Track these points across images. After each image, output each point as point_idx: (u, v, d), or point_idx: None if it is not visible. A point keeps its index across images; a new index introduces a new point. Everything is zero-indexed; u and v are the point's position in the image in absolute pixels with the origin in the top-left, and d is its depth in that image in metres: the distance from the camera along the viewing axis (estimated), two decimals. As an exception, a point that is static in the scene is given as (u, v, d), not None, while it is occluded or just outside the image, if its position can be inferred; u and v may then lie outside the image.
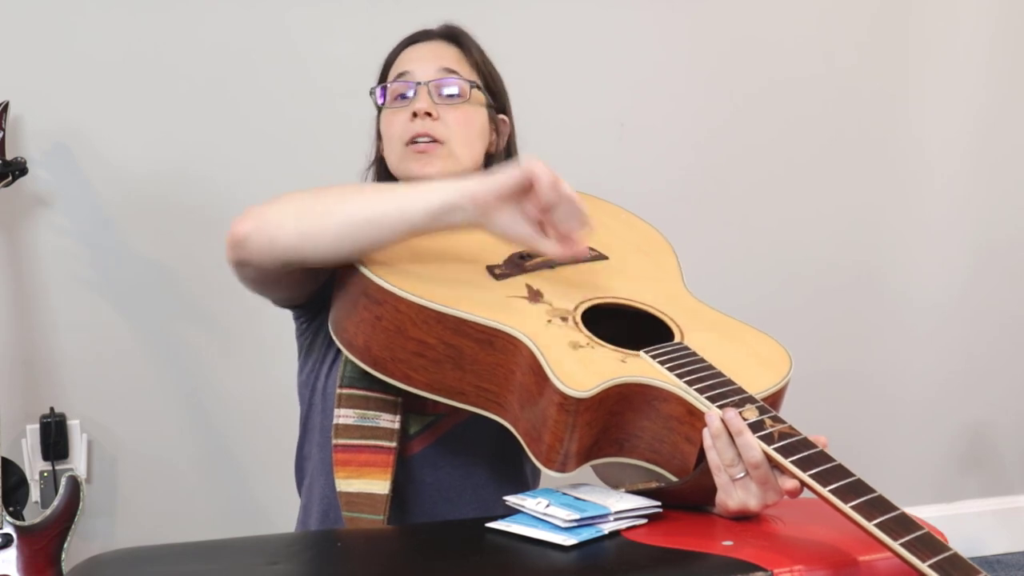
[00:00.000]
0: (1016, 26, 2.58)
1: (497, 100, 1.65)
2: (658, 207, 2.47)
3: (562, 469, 1.23)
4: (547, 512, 1.21)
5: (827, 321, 2.57)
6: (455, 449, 1.49)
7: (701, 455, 1.21)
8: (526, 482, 1.55)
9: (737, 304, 2.50)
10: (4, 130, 1.98)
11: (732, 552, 1.16)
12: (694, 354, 1.29)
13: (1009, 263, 2.66)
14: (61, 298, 2.11)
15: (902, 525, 1.07)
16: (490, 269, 1.37)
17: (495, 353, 1.24)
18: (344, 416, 1.42)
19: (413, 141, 1.53)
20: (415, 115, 1.52)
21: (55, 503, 1.98)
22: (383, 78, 1.62)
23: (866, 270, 2.59)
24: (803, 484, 1.17)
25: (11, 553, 1.93)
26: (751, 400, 1.23)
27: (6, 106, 1.98)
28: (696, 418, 1.21)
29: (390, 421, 1.43)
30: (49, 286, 2.10)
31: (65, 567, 1.96)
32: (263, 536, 1.47)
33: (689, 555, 1.17)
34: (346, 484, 1.42)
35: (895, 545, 1.04)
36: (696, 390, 1.22)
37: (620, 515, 1.21)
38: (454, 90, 1.56)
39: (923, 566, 0.99)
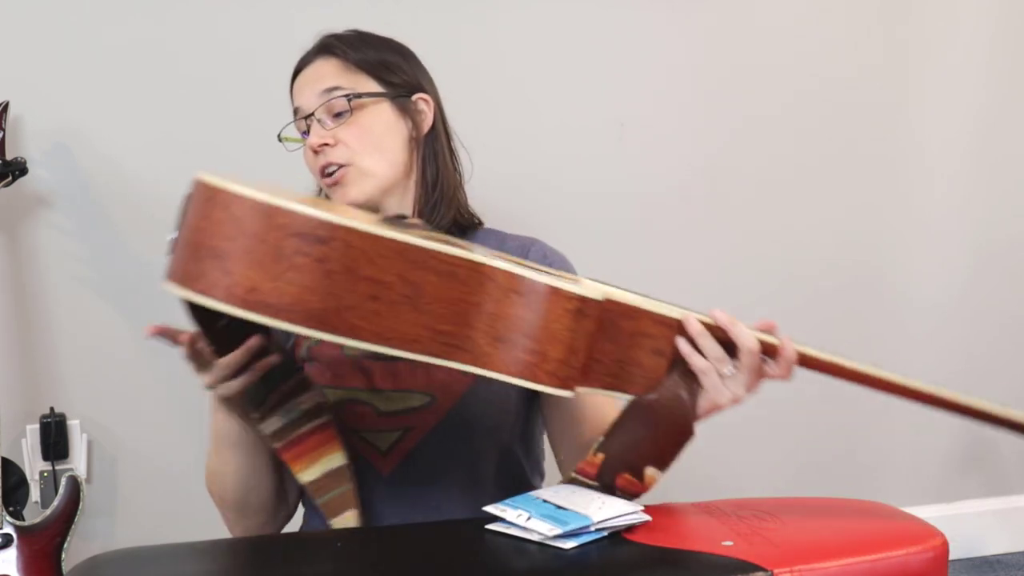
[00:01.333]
0: (1016, 27, 2.58)
1: (400, 84, 1.57)
2: (657, 207, 2.47)
3: (570, 385, 1.20)
4: (528, 525, 1.20)
5: (828, 321, 2.57)
6: (429, 460, 1.48)
7: (670, 366, 1.25)
8: (512, 474, 1.54)
9: (737, 305, 2.51)
10: (4, 130, 1.98)
11: (732, 552, 1.16)
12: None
13: (1009, 264, 2.66)
14: (61, 298, 2.11)
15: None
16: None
17: (459, 286, 1.16)
18: (270, 423, 1.41)
19: (323, 174, 1.52)
20: (313, 151, 1.52)
21: (55, 503, 1.98)
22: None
23: (867, 271, 2.58)
24: (803, 356, 1.37)
25: (11, 553, 1.93)
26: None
27: (6, 106, 1.98)
28: (665, 327, 1.25)
29: (310, 399, 1.42)
30: (49, 286, 2.10)
31: (65, 567, 1.96)
32: (263, 536, 1.48)
33: (689, 555, 1.17)
34: (307, 475, 1.41)
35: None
36: (656, 301, 1.25)
37: (602, 524, 1.21)
38: (338, 108, 1.52)
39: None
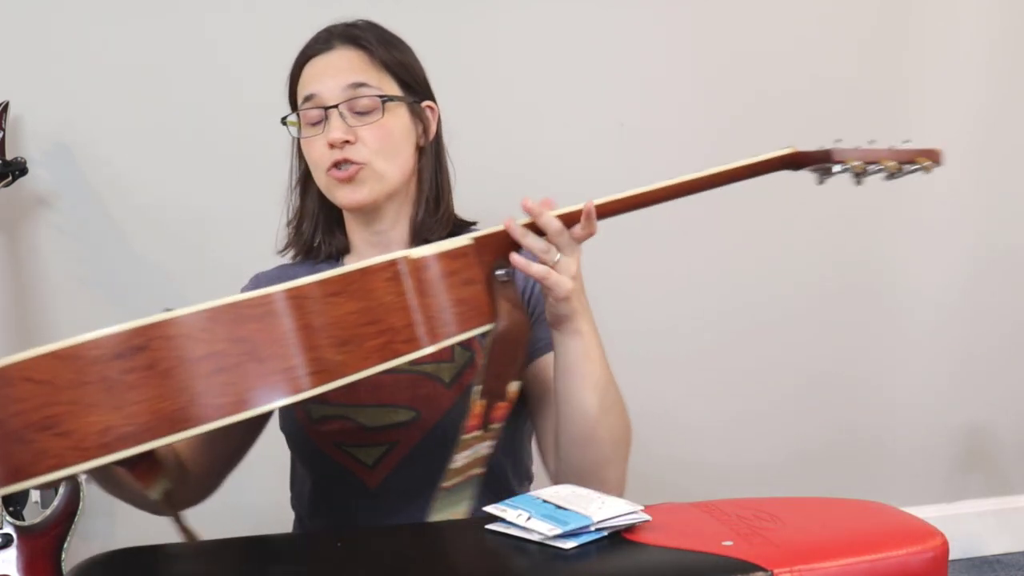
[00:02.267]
0: (1017, 28, 2.58)
1: (416, 91, 1.57)
2: (656, 208, 2.47)
3: (432, 339, 1.22)
4: (528, 525, 1.20)
5: (829, 323, 2.57)
6: (416, 473, 1.47)
7: (487, 287, 1.28)
8: (499, 483, 1.53)
9: (737, 306, 2.52)
10: (4, 130, 1.98)
11: (732, 552, 1.16)
12: None
13: (1009, 265, 2.66)
14: (61, 298, 2.11)
15: None
16: None
17: (281, 320, 1.12)
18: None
19: (335, 167, 1.49)
20: (331, 145, 1.48)
21: (55, 503, 1.98)
22: (292, 98, 1.56)
23: (867, 272, 2.59)
24: (599, 207, 1.43)
25: (11, 553, 1.93)
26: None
27: (6, 106, 1.98)
28: (462, 257, 1.27)
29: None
30: (49, 286, 2.10)
31: (65, 567, 1.96)
32: (263, 536, 1.47)
33: (689, 555, 1.17)
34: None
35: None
36: (445, 243, 1.27)
37: (602, 524, 1.21)
38: (367, 107, 1.50)
39: None
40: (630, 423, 1.49)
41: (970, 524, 2.68)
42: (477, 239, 1.30)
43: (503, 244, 1.32)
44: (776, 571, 1.11)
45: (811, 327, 2.56)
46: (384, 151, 1.50)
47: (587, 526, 1.20)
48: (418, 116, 1.55)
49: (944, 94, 2.55)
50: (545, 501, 1.26)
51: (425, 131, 1.56)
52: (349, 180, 1.49)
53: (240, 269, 2.14)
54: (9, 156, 1.99)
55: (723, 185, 1.51)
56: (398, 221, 1.56)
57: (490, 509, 1.26)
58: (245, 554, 1.27)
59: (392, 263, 1.20)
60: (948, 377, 2.67)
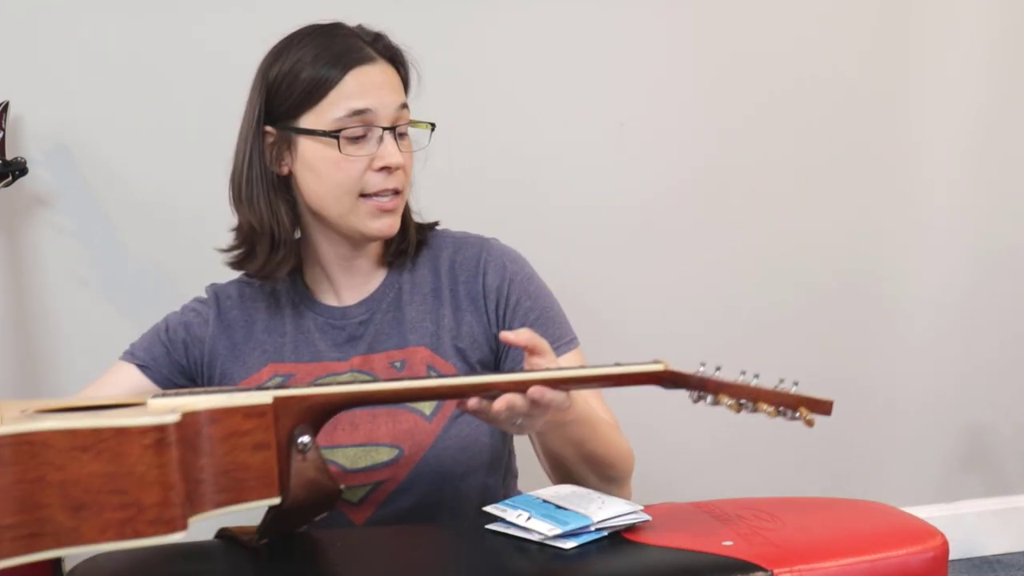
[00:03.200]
0: (1016, 29, 2.58)
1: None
2: (657, 208, 2.47)
3: (180, 525, 1.06)
4: (528, 525, 1.20)
5: (829, 324, 2.57)
6: (404, 509, 1.44)
7: (280, 455, 1.13)
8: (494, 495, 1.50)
9: (738, 309, 2.52)
10: (4, 130, 1.98)
11: (732, 552, 1.16)
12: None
13: (1009, 265, 2.66)
14: (61, 298, 2.11)
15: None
16: None
17: (9, 469, 1.01)
18: None
19: (375, 195, 1.41)
20: (387, 168, 1.40)
21: (55, 503, 1.98)
22: (305, 99, 1.43)
23: (867, 273, 2.58)
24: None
25: (11, 553, 1.92)
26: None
27: (6, 106, 1.98)
28: (258, 418, 1.12)
29: None
30: (49, 286, 2.10)
31: (65, 567, 1.95)
32: (263, 536, 1.47)
33: (689, 555, 1.17)
34: None
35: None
36: (239, 393, 1.13)
37: (602, 524, 1.21)
38: (403, 131, 1.44)
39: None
40: (623, 448, 1.47)
41: (970, 524, 2.68)
42: (278, 398, 1.14)
43: (308, 408, 1.16)
44: (776, 571, 1.11)
45: (812, 328, 2.56)
46: (409, 179, 1.47)
47: (587, 526, 1.20)
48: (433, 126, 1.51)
49: (944, 94, 2.55)
50: (545, 501, 1.26)
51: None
52: (392, 212, 1.43)
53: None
54: (9, 156, 1.99)
55: (590, 387, 1.36)
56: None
57: (490, 509, 1.26)
58: (244, 554, 1.27)
59: (159, 429, 1.04)
60: (948, 377, 2.67)
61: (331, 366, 1.49)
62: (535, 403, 1.20)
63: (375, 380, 1.20)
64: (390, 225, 1.44)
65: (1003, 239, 2.65)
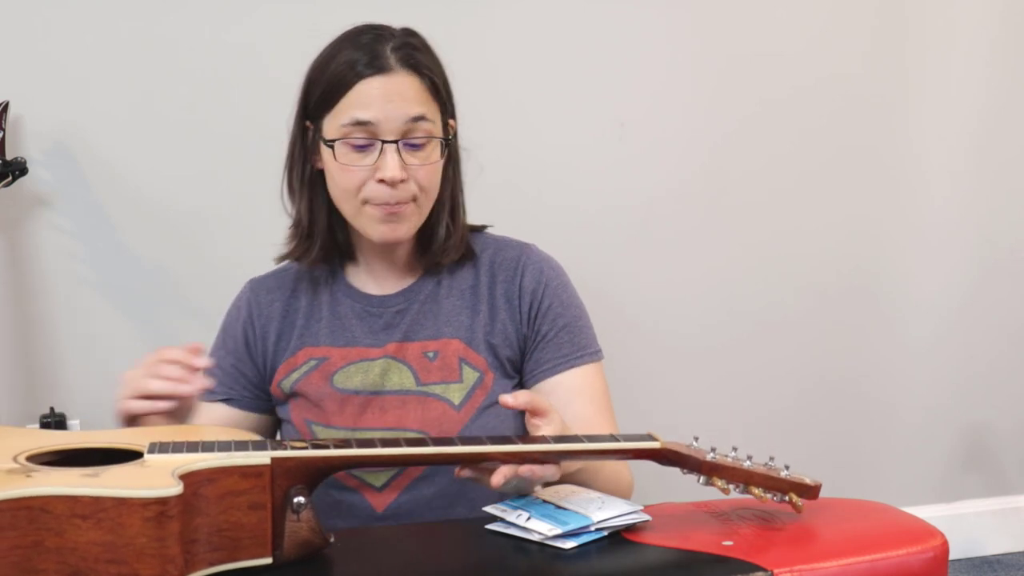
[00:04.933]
0: (1016, 29, 2.58)
1: (448, 110, 1.51)
2: (657, 208, 2.47)
3: None
4: (528, 525, 1.20)
5: (830, 324, 2.57)
6: (426, 496, 1.46)
7: (275, 516, 1.12)
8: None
9: (739, 309, 2.52)
10: (4, 130, 1.98)
11: (732, 552, 1.16)
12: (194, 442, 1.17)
13: (1010, 265, 2.66)
14: (61, 298, 2.11)
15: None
16: None
17: (7, 533, 1.01)
18: None
19: (377, 203, 1.42)
20: (382, 180, 1.41)
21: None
22: (326, 99, 1.44)
23: (868, 274, 2.58)
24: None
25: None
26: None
27: (6, 106, 1.98)
28: (255, 478, 1.11)
29: None
30: (49, 286, 2.10)
31: None
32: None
33: (689, 555, 1.17)
34: None
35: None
36: (238, 453, 1.12)
37: (602, 524, 1.21)
38: (421, 141, 1.43)
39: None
40: (626, 485, 1.49)
41: (970, 524, 2.68)
42: (276, 459, 1.13)
43: (305, 469, 1.15)
44: (776, 571, 1.11)
45: (813, 328, 2.56)
46: (429, 188, 1.46)
47: (587, 526, 1.20)
48: (447, 142, 1.50)
49: (944, 94, 2.55)
50: (545, 501, 1.26)
51: (449, 153, 1.51)
52: (395, 217, 1.43)
53: (240, 269, 2.14)
54: (9, 156, 1.99)
55: (584, 459, 1.36)
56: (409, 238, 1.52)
57: (490, 509, 1.26)
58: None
59: (161, 502, 1.03)
60: (948, 377, 2.67)
61: (365, 351, 1.50)
62: (529, 478, 1.24)
63: (373, 444, 1.21)
64: (395, 231, 1.45)
65: (1003, 240, 2.65)
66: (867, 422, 2.63)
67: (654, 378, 2.43)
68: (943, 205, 2.60)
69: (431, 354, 1.50)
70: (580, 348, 1.52)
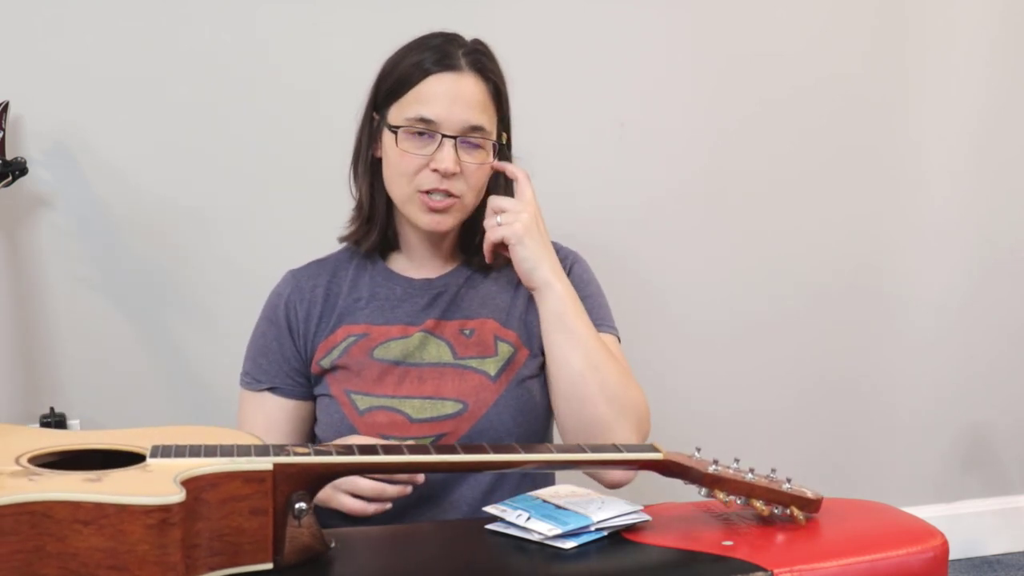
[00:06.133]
0: (1016, 29, 2.58)
1: (505, 123, 1.62)
2: (657, 207, 2.47)
3: None
4: (528, 525, 1.21)
5: (831, 324, 2.57)
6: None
7: (276, 521, 1.13)
8: (538, 472, 1.56)
9: (739, 309, 2.52)
10: (4, 130, 1.98)
11: (732, 552, 1.16)
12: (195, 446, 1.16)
13: (1011, 265, 2.66)
14: (61, 298, 2.11)
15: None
16: None
17: (7, 538, 1.01)
18: None
19: (427, 192, 1.51)
20: (436, 170, 1.50)
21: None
22: (391, 92, 1.55)
23: (869, 274, 2.58)
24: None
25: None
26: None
27: (6, 106, 1.98)
28: (257, 483, 1.11)
29: None
30: (49, 286, 2.10)
31: None
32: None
33: (689, 555, 1.17)
34: None
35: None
36: (240, 458, 1.12)
37: (602, 524, 1.21)
38: (478, 147, 1.53)
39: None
40: (633, 388, 1.54)
41: (970, 524, 2.68)
42: (278, 465, 1.13)
43: (307, 475, 1.15)
44: (776, 571, 1.11)
45: (813, 328, 2.56)
46: (476, 188, 1.55)
47: (587, 526, 1.20)
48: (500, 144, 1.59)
49: (944, 94, 2.55)
50: (545, 501, 1.26)
51: (498, 156, 1.59)
52: (443, 212, 1.53)
53: (240, 269, 2.15)
54: (9, 156, 1.99)
55: (588, 468, 1.44)
56: (454, 231, 1.61)
57: (490, 509, 1.26)
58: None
59: (163, 509, 1.03)
60: (948, 377, 2.67)
61: (404, 329, 1.57)
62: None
63: (375, 451, 1.21)
64: (438, 222, 1.53)
65: (1003, 239, 2.65)
66: (867, 422, 2.63)
67: (654, 378, 2.42)
68: (943, 205, 2.60)
69: (467, 331, 1.58)
70: (600, 319, 1.59)
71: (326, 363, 1.57)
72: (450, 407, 1.52)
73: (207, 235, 2.18)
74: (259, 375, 1.61)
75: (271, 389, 1.60)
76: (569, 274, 1.58)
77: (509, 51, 2.35)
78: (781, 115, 2.47)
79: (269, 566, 1.12)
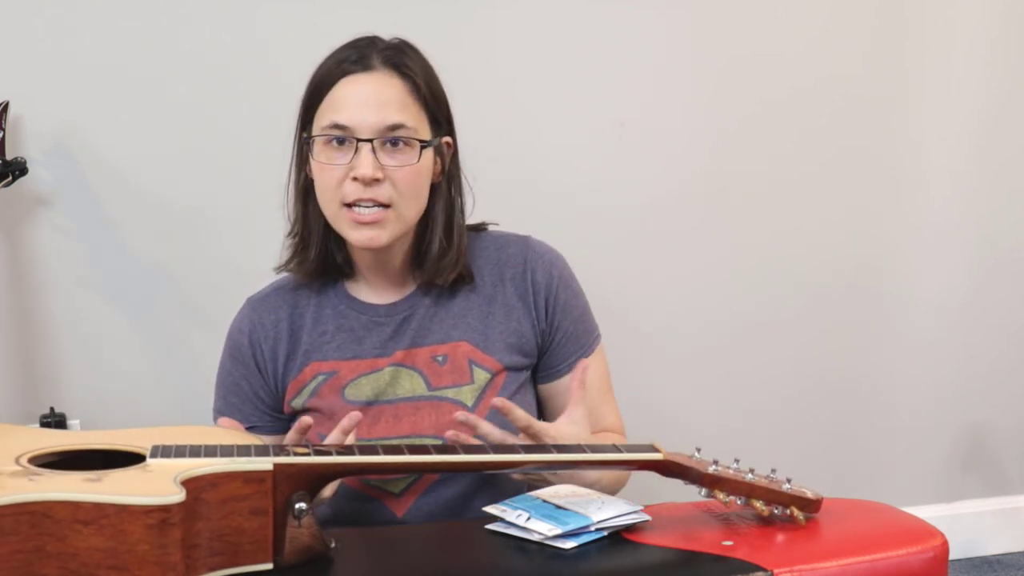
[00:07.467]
0: (1016, 29, 2.58)
1: (442, 126, 1.50)
2: (658, 207, 2.47)
3: None
4: (528, 525, 1.21)
5: (830, 323, 2.57)
6: (446, 498, 1.47)
7: (276, 521, 1.13)
8: None
9: (738, 309, 2.52)
10: (4, 130, 1.98)
11: (732, 552, 1.16)
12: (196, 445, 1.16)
13: (1011, 265, 2.66)
14: (61, 298, 2.11)
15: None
16: None
17: (8, 538, 1.01)
18: None
19: (351, 205, 1.41)
20: (356, 178, 1.40)
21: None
22: (309, 104, 1.46)
23: (868, 274, 2.58)
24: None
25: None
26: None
27: (6, 106, 1.98)
28: (257, 483, 1.11)
29: None
30: (49, 286, 2.10)
31: None
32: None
33: (689, 555, 1.17)
34: None
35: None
36: (240, 458, 1.12)
37: (602, 524, 1.21)
38: (401, 146, 1.42)
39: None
40: (623, 483, 1.51)
41: (970, 524, 2.68)
42: (278, 465, 1.13)
43: (308, 475, 1.15)
44: (776, 571, 1.11)
45: (813, 328, 2.56)
46: (410, 194, 1.44)
47: (587, 526, 1.20)
48: (438, 152, 1.49)
49: (944, 94, 2.55)
50: (545, 501, 1.26)
51: (441, 167, 1.50)
52: (373, 224, 1.41)
53: (240, 269, 2.14)
54: (9, 156, 1.99)
55: (587, 468, 1.38)
56: (401, 250, 1.51)
57: (490, 509, 1.26)
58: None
59: (163, 509, 1.03)
60: (948, 377, 2.67)
61: (374, 362, 1.50)
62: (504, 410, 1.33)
63: (375, 451, 1.21)
64: (370, 238, 1.42)
65: (1003, 239, 2.65)
66: (867, 422, 2.63)
67: (654, 378, 2.43)
68: (943, 205, 2.60)
69: (440, 358, 1.50)
70: (588, 332, 1.58)
71: (297, 404, 1.51)
72: (429, 444, 1.43)
73: (207, 235, 2.18)
74: (232, 414, 1.52)
75: (250, 429, 1.48)
76: (557, 292, 1.53)
77: (509, 51, 2.36)
78: (781, 115, 2.47)
79: (269, 566, 1.12)
